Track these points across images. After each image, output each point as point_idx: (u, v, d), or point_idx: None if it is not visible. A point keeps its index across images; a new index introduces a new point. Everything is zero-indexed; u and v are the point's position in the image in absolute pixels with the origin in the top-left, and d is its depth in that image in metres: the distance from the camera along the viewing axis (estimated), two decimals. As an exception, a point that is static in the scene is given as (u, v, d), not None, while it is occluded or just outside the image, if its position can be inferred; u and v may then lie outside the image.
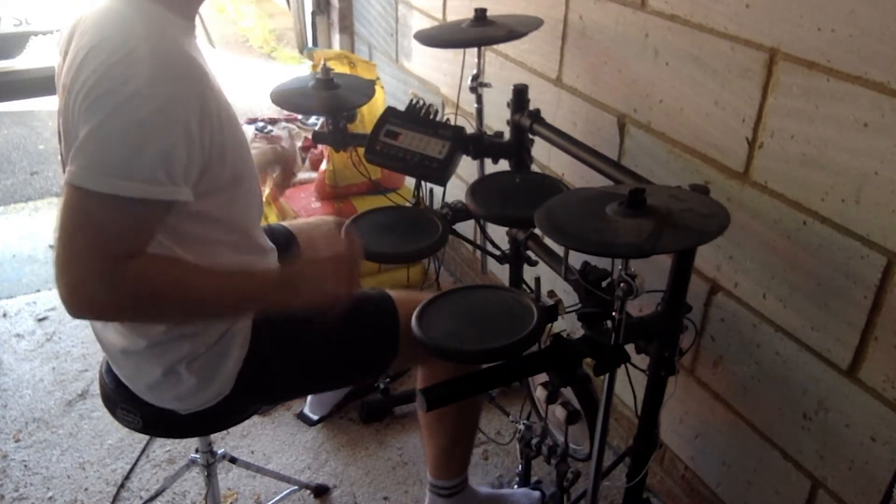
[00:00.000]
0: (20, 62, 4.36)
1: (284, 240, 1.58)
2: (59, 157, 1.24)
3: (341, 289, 1.16)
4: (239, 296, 1.11)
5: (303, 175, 2.94)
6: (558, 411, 1.44)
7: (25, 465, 1.97)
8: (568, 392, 1.45)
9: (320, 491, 1.89)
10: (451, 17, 2.39)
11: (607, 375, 1.24)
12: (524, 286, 1.88)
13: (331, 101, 1.79)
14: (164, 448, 2.02)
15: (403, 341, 1.39)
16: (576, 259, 1.41)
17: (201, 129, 1.03)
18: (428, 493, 1.68)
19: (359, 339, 1.40)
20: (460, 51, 1.92)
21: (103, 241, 0.98)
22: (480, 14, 1.72)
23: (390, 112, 1.71)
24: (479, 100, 1.84)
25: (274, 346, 1.31)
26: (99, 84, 0.98)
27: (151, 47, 1.01)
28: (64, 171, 1.21)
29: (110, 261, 0.98)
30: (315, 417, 2.10)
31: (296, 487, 1.87)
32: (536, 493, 1.75)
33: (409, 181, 2.66)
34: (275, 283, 1.13)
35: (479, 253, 2.38)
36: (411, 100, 1.72)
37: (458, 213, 1.72)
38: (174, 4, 1.11)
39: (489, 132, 1.82)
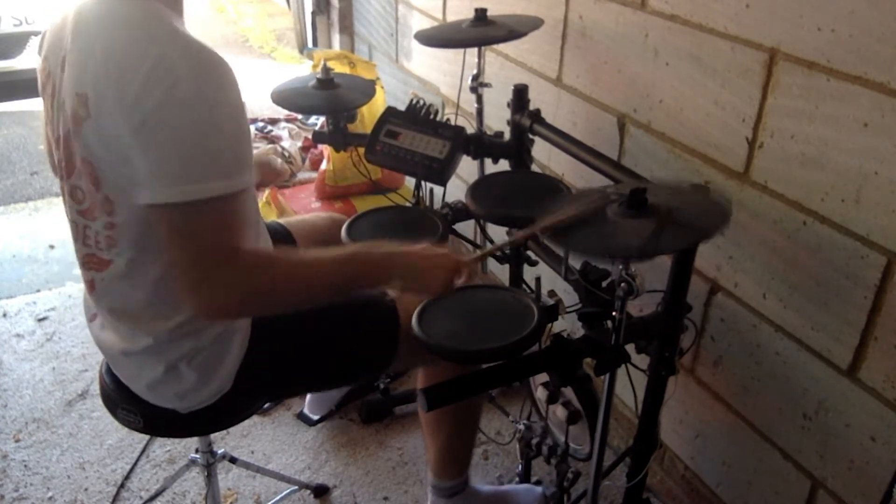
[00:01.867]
0: (20, 62, 4.37)
1: (281, 237, 1.59)
2: (55, 165, 1.24)
3: (436, 288, 1.21)
4: (345, 278, 1.15)
5: (303, 175, 2.94)
6: (559, 411, 1.44)
7: (25, 465, 1.97)
8: (568, 392, 1.45)
9: (320, 491, 1.89)
10: (451, 18, 2.39)
11: (607, 375, 1.24)
12: (524, 286, 1.88)
13: (331, 100, 1.79)
14: (164, 448, 2.02)
15: (403, 343, 1.39)
16: (576, 259, 1.41)
17: (242, 115, 1.08)
18: (430, 494, 1.68)
19: (358, 339, 1.40)
20: (460, 51, 1.93)
21: (212, 246, 1.03)
22: (481, 14, 1.72)
23: (390, 112, 1.71)
24: (480, 100, 1.84)
25: (274, 344, 1.31)
26: (145, 95, 0.99)
27: (181, 47, 1.03)
28: (61, 178, 1.22)
29: (225, 261, 1.03)
30: (315, 417, 2.10)
31: (296, 487, 1.87)
32: (538, 489, 1.75)
33: (409, 181, 2.66)
34: (377, 266, 1.18)
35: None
36: (411, 100, 1.72)
37: (459, 212, 1.72)
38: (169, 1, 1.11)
39: (489, 132, 1.82)
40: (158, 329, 1.22)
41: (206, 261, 1.03)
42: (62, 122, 1.13)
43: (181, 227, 1.03)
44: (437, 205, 1.75)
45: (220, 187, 1.01)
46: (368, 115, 2.47)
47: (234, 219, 1.05)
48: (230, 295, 1.05)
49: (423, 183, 1.83)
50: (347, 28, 3.45)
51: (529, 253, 1.75)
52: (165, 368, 1.24)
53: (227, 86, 1.04)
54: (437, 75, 2.58)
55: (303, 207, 2.62)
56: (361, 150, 1.76)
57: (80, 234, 1.19)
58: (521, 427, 1.60)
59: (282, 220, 1.67)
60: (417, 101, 1.71)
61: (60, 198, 1.29)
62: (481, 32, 1.70)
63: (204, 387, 1.27)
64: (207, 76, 1.02)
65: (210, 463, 1.61)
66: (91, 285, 1.22)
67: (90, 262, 1.20)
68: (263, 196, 2.58)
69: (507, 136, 1.78)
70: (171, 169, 1.00)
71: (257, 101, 4.41)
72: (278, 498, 1.84)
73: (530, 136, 1.71)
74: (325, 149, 2.72)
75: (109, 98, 1.02)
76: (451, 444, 1.61)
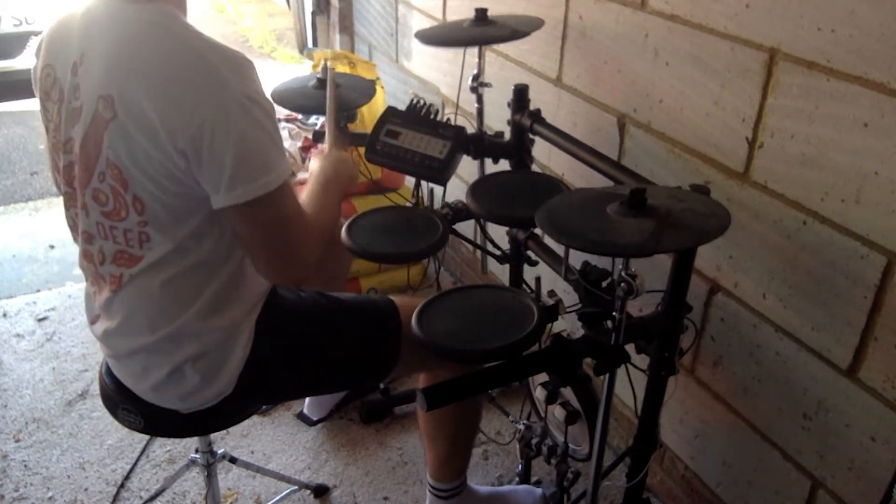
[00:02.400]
0: (20, 62, 4.37)
1: None
2: (58, 170, 1.23)
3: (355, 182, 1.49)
4: (332, 197, 1.38)
5: (303, 175, 2.94)
6: (558, 411, 1.44)
7: (25, 465, 1.97)
8: (568, 392, 1.45)
9: (320, 491, 1.89)
10: (451, 17, 2.39)
11: (607, 375, 1.24)
12: (524, 286, 1.87)
13: (335, 100, 1.79)
14: (164, 448, 2.02)
15: (405, 347, 1.39)
16: (576, 259, 1.41)
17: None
18: (428, 494, 1.69)
19: (361, 345, 1.40)
20: (460, 51, 1.93)
21: (294, 222, 1.16)
22: (481, 14, 1.72)
23: (391, 112, 1.71)
24: (480, 100, 1.84)
25: (276, 348, 1.31)
26: (200, 101, 1.04)
27: (212, 49, 1.07)
28: (68, 182, 1.21)
29: (303, 228, 1.18)
30: (315, 418, 2.10)
31: (296, 487, 1.87)
32: (538, 491, 1.75)
33: (409, 181, 2.66)
34: (331, 181, 1.40)
35: (479, 253, 2.38)
36: (412, 99, 1.72)
37: (459, 212, 1.72)
38: (179, 3, 1.14)
39: (489, 132, 1.82)
40: (167, 326, 1.22)
41: (294, 236, 1.16)
42: (79, 126, 1.13)
43: (271, 215, 1.12)
44: (438, 205, 1.75)
45: (285, 169, 1.11)
46: (368, 115, 2.47)
47: (293, 189, 1.17)
48: (314, 251, 1.20)
49: (423, 183, 1.82)
50: (347, 28, 3.45)
51: (529, 253, 1.75)
52: (171, 370, 1.24)
53: (258, 78, 1.10)
54: (437, 75, 2.58)
55: (303, 207, 2.62)
56: (362, 150, 1.76)
57: (109, 235, 1.19)
58: (521, 427, 1.60)
59: None
60: (418, 101, 1.70)
61: (61, 199, 1.29)
62: (482, 32, 1.69)
63: (207, 389, 1.27)
64: (246, 73, 1.08)
65: (210, 463, 1.61)
66: (118, 281, 1.22)
67: (120, 258, 1.20)
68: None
69: (507, 136, 1.78)
70: (247, 167, 1.06)
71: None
72: (278, 498, 1.84)
73: (530, 136, 1.71)
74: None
75: (144, 101, 1.04)
76: (450, 448, 1.61)
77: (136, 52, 1.07)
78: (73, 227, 1.28)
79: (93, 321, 1.34)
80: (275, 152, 1.10)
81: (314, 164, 1.45)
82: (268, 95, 1.12)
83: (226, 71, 1.06)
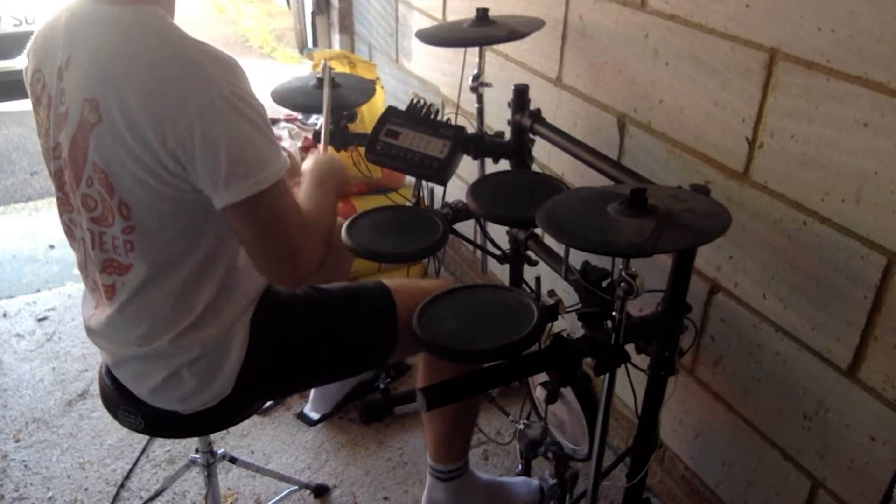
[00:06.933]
0: (20, 62, 4.36)
1: None
2: (56, 171, 1.22)
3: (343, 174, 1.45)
4: (329, 194, 1.36)
5: (304, 176, 2.94)
6: (538, 391, 1.43)
7: (25, 465, 1.97)
8: (568, 392, 1.45)
9: (320, 491, 1.89)
10: (450, 17, 2.39)
11: (607, 375, 1.24)
12: (524, 286, 1.87)
13: (331, 100, 1.79)
14: (164, 448, 2.02)
15: (402, 331, 1.39)
16: (576, 259, 1.41)
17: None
18: (428, 476, 1.68)
19: (357, 331, 1.40)
20: (460, 51, 1.93)
21: (293, 220, 1.15)
22: (482, 14, 1.72)
23: (391, 111, 1.71)
24: (480, 99, 1.84)
25: (272, 345, 1.31)
26: (188, 100, 1.02)
27: (198, 49, 1.07)
28: (60, 188, 1.21)
29: (303, 227, 1.16)
30: (315, 417, 2.10)
31: (296, 487, 1.87)
32: (535, 482, 1.75)
33: (410, 181, 2.66)
34: (325, 181, 1.38)
35: (479, 253, 2.38)
36: (412, 99, 1.72)
37: (459, 212, 1.72)
38: (166, 4, 1.13)
39: (490, 132, 1.82)
40: (168, 334, 1.22)
41: (295, 233, 1.14)
42: (65, 131, 1.13)
43: (270, 213, 1.10)
44: (438, 205, 1.75)
45: (281, 165, 1.10)
46: (369, 115, 2.47)
47: (289, 187, 1.15)
48: (316, 248, 1.19)
49: (423, 182, 1.82)
50: (347, 28, 3.45)
51: (529, 253, 1.75)
52: (167, 374, 1.25)
53: (247, 78, 1.10)
54: (437, 75, 2.58)
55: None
56: (362, 150, 1.76)
57: (97, 241, 1.18)
58: (521, 427, 1.60)
59: None
60: (418, 101, 1.70)
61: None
62: (483, 32, 1.69)
63: (205, 390, 1.27)
64: (233, 72, 1.07)
65: (210, 463, 1.61)
66: (111, 290, 1.22)
67: (109, 266, 1.19)
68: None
69: (507, 135, 1.78)
70: (242, 164, 1.05)
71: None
72: (278, 498, 1.85)
73: (531, 136, 1.71)
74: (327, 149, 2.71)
75: (130, 102, 1.03)
76: (450, 429, 1.60)
77: (120, 53, 1.06)
78: (69, 231, 1.28)
79: (89, 327, 1.34)
80: (268, 148, 1.09)
81: (308, 163, 1.44)
82: (258, 96, 1.11)
83: (212, 68, 1.05)
